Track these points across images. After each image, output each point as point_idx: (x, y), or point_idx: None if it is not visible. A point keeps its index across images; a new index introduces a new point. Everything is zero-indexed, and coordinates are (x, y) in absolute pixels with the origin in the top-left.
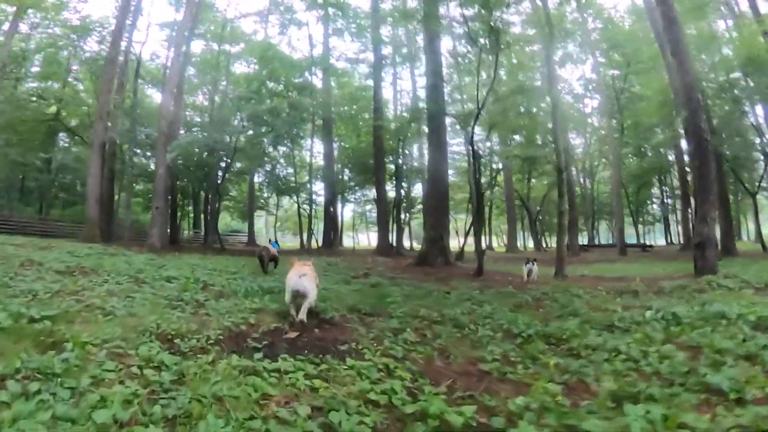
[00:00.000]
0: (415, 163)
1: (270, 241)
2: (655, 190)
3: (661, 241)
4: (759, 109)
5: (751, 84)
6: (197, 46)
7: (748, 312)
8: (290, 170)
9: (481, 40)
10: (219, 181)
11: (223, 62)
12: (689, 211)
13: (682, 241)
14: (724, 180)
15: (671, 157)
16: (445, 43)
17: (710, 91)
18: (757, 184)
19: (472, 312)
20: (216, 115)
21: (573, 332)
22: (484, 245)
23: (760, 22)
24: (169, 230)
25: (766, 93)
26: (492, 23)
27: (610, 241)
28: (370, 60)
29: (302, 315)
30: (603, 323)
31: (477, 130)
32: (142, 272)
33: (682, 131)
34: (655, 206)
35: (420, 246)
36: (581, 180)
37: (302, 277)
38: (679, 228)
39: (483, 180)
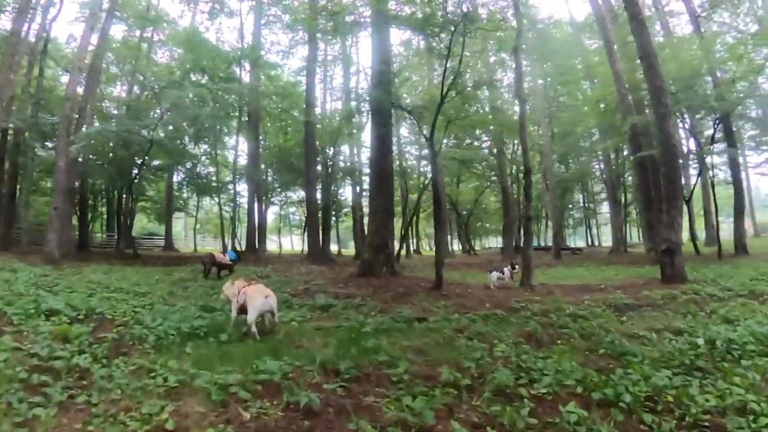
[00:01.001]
0: (347, 164)
1: (227, 251)
2: (577, 195)
3: (581, 244)
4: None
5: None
6: (118, 31)
7: None
8: (212, 169)
9: (452, 27)
10: (134, 179)
11: (144, 49)
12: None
13: (611, 244)
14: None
15: (595, 165)
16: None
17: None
18: (691, 190)
19: (492, 357)
20: (134, 105)
21: (664, 385)
22: (411, 250)
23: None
24: (78, 234)
25: (693, 105)
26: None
27: (536, 245)
28: (303, 54)
29: (273, 330)
30: (664, 361)
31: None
32: (12, 303)
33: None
34: (574, 211)
35: (354, 252)
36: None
37: (268, 298)
38: (597, 231)
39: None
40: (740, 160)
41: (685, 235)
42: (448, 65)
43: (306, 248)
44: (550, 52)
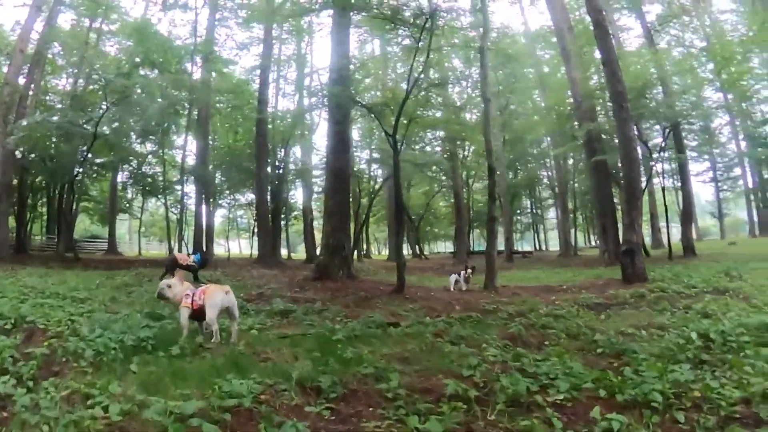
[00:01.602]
0: (299, 165)
1: (191, 254)
2: (525, 201)
3: (528, 248)
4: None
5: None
6: (67, 21)
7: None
8: (158, 168)
9: (419, 21)
10: (76, 176)
11: (93, 40)
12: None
13: (558, 248)
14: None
15: (543, 172)
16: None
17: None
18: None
19: (486, 361)
20: (79, 97)
21: (686, 380)
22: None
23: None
24: (15, 235)
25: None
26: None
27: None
28: (257, 51)
29: (234, 338)
30: (668, 357)
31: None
32: None
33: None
34: (522, 216)
35: (305, 255)
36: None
37: (228, 294)
38: (545, 236)
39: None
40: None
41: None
42: (415, 61)
43: (255, 252)
44: (504, 61)
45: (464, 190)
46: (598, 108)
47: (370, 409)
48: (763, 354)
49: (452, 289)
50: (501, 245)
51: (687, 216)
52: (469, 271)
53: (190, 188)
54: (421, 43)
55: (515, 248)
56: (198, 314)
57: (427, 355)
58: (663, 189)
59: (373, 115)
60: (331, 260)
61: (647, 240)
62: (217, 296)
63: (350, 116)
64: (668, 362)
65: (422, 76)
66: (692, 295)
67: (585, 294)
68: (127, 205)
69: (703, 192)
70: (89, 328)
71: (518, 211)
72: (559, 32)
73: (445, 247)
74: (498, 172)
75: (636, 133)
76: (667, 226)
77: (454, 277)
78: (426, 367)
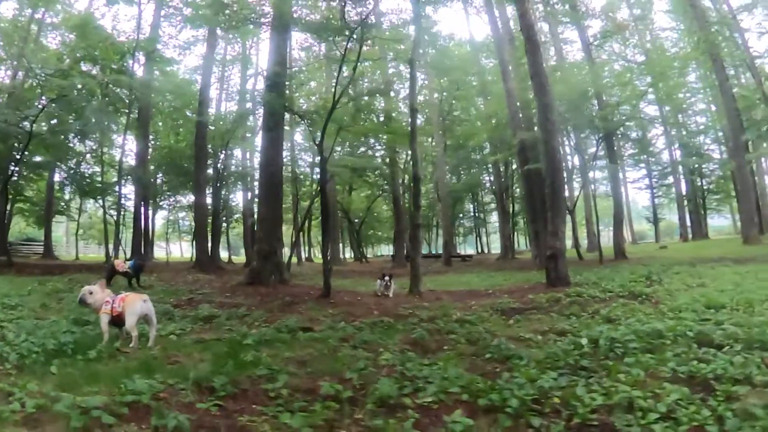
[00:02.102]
0: (240, 168)
1: (127, 259)
2: (468, 205)
3: (471, 251)
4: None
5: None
6: (8, 10)
7: (677, 326)
8: (97, 169)
9: (347, 33)
10: (10, 176)
11: (34, 32)
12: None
13: (500, 251)
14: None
15: (485, 177)
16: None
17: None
18: (575, 202)
19: (377, 366)
20: (15, 93)
21: (550, 386)
22: (303, 257)
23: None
24: None
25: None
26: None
27: (427, 252)
28: (201, 51)
29: (152, 342)
30: (549, 362)
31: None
32: None
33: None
34: (465, 220)
35: (245, 259)
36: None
37: (146, 302)
38: (487, 239)
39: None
40: (620, 175)
41: (571, 242)
42: (343, 72)
43: (195, 255)
44: (448, 68)
45: (405, 195)
46: (534, 119)
47: (254, 406)
48: (643, 361)
49: (379, 294)
50: (441, 249)
51: (618, 221)
52: (386, 278)
53: (130, 189)
54: (350, 54)
55: (458, 252)
56: (118, 320)
57: (324, 359)
58: (594, 196)
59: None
60: (263, 266)
61: (584, 244)
62: (136, 304)
63: (283, 123)
64: (547, 368)
65: (353, 87)
66: (605, 300)
67: (506, 298)
68: (65, 206)
69: (640, 198)
70: (15, 334)
71: (461, 215)
72: (499, 43)
73: (389, 250)
74: (426, 178)
75: (573, 142)
76: (597, 231)
77: (380, 282)
78: (318, 370)
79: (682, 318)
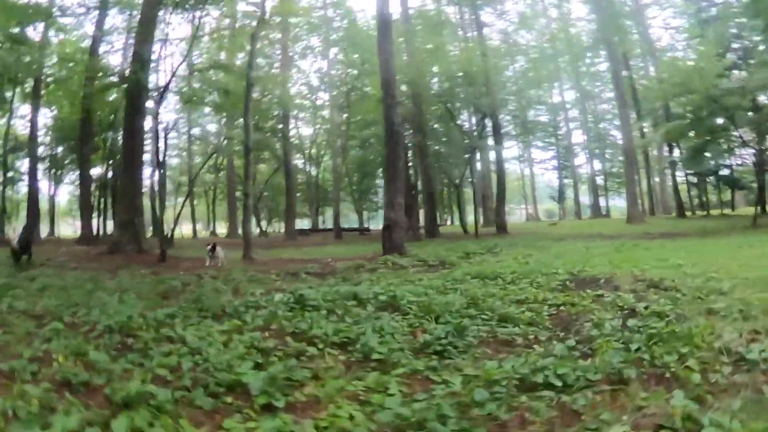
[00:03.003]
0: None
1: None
2: (379, 181)
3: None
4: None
5: (462, 95)
6: None
7: (383, 292)
8: None
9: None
10: None
11: None
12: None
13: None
14: (432, 174)
15: None
16: None
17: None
18: (460, 179)
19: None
20: None
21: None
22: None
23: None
24: None
25: (472, 102)
26: None
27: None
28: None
29: None
30: (214, 309)
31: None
32: None
33: None
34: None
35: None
36: (306, 167)
37: None
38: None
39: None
40: (525, 155)
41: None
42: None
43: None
44: (356, 43)
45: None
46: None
47: None
48: (281, 317)
49: (208, 263)
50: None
51: (500, 197)
52: (208, 247)
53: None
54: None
55: (365, 226)
56: None
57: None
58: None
59: None
60: (121, 235)
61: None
62: None
63: (145, 98)
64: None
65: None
66: (405, 267)
67: (314, 265)
68: None
69: (552, 178)
70: None
71: (372, 190)
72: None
73: (303, 224)
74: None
75: (464, 121)
76: (475, 208)
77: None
78: None
79: (430, 285)
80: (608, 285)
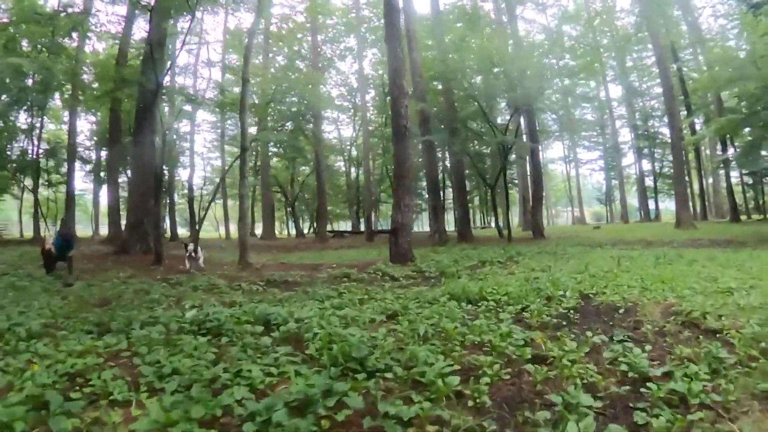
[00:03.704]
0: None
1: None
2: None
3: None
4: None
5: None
6: None
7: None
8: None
9: None
10: None
11: None
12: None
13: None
14: (462, 172)
15: None
16: None
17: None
18: (494, 180)
19: None
20: None
21: None
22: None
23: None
24: None
25: (504, 95)
26: None
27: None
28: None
29: None
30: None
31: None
32: None
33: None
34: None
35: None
36: (348, 169)
37: None
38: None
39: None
40: (571, 155)
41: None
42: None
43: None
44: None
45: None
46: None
47: None
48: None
49: (187, 266)
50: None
51: (536, 199)
52: (189, 248)
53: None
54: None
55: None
56: None
57: None
58: (504, 175)
59: None
60: (130, 235)
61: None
62: None
63: (158, 100)
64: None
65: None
66: (399, 279)
67: (298, 272)
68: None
69: (600, 179)
70: None
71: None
72: (406, 14)
73: (347, 225)
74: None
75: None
76: (504, 211)
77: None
78: None
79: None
80: (626, 319)
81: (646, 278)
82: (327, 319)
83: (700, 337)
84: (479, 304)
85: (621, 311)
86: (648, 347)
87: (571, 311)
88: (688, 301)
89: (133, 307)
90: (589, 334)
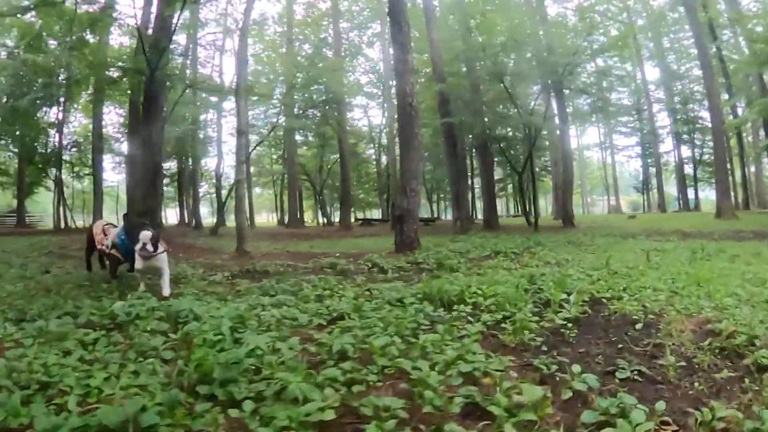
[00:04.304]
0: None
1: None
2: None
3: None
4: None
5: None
6: None
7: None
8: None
9: None
10: None
11: None
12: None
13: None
14: (488, 157)
15: None
16: None
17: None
18: (522, 166)
19: None
20: None
21: None
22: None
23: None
24: None
25: (529, 75)
26: None
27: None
28: None
29: None
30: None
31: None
32: None
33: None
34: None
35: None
36: (379, 157)
37: None
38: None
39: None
40: (607, 141)
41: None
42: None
43: None
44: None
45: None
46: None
47: None
48: None
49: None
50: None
51: (566, 186)
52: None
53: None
54: None
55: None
56: None
57: None
58: (531, 160)
59: None
60: None
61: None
62: None
63: (164, 89)
64: None
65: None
66: (387, 271)
67: (287, 261)
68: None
69: (637, 167)
70: None
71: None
72: None
73: (379, 214)
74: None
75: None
76: (531, 198)
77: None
78: None
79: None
80: (643, 339)
81: (678, 278)
82: (243, 320)
83: (746, 379)
84: (454, 308)
85: (638, 326)
86: (665, 395)
87: (569, 324)
88: (728, 314)
89: (75, 296)
90: (575, 370)
